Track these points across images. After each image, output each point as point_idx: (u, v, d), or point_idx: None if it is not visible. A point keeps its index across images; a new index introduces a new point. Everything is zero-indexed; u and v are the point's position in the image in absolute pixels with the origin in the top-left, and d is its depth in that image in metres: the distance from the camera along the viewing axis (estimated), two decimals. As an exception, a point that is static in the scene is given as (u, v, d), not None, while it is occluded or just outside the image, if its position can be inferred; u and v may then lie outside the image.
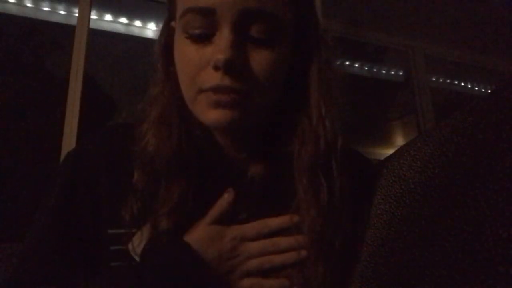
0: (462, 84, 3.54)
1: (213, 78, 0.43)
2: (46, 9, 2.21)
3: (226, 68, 0.42)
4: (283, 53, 0.47)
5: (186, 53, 0.46)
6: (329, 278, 0.45)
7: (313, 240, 0.46)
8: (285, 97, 0.50)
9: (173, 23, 0.51)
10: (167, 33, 0.53)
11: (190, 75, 0.46)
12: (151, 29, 2.36)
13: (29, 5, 2.18)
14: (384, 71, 3.19)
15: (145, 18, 2.34)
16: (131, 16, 2.35)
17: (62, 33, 2.13)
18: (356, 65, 3.07)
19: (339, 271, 0.46)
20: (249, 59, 0.44)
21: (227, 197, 0.48)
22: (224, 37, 0.43)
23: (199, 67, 0.45)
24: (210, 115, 0.45)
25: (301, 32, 0.50)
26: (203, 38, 0.45)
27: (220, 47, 0.43)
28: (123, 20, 2.36)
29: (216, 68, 0.43)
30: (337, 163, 0.48)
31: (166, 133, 0.48)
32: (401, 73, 3.16)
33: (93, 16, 2.14)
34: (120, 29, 2.37)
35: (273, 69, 0.45)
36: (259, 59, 0.44)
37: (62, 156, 1.64)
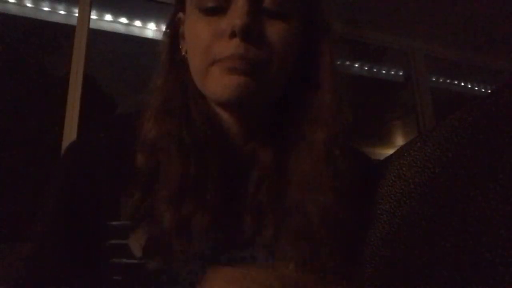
0: (462, 84, 3.54)
1: (228, 47, 0.44)
2: (46, 9, 2.20)
3: (243, 34, 0.43)
4: (295, 28, 0.47)
5: (199, 27, 0.46)
6: (342, 257, 0.44)
7: (325, 218, 0.45)
8: (296, 77, 0.50)
9: (180, 14, 0.52)
10: (173, 25, 0.53)
11: (203, 46, 0.45)
12: (151, 29, 2.36)
13: (29, 5, 2.17)
14: (384, 71, 3.19)
15: (145, 18, 2.34)
16: (131, 16, 2.35)
17: (62, 33, 2.13)
18: (356, 65, 3.07)
19: (351, 251, 0.46)
20: (265, 27, 0.45)
21: None
22: (240, 5, 0.44)
23: (213, 38, 0.45)
24: (224, 82, 0.44)
25: (311, 11, 0.50)
26: (217, 12, 0.45)
27: (237, 13, 0.43)
28: (123, 20, 2.36)
29: (232, 35, 0.43)
30: (345, 145, 0.48)
31: (168, 121, 0.48)
32: (401, 73, 3.16)
33: (93, 16, 2.14)
34: (120, 29, 2.37)
35: (286, 41, 0.46)
36: (274, 30, 0.45)
37: (62, 156, 1.65)
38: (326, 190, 0.46)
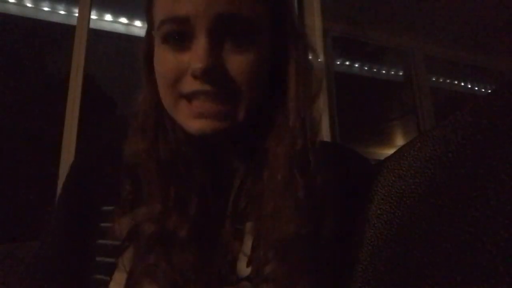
0: (462, 84, 3.54)
1: (193, 85, 0.44)
2: (46, 9, 2.21)
3: (204, 77, 0.43)
4: (261, 54, 0.46)
5: (164, 60, 0.46)
6: (313, 273, 0.44)
7: (294, 233, 0.44)
8: (264, 95, 0.50)
9: (153, 32, 0.52)
10: (148, 42, 0.53)
11: (169, 82, 0.46)
12: (151, 29, 2.35)
13: (29, 5, 2.18)
14: (384, 71, 3.19)
15: (145, 18, 2.34)
16: (131, 16, 2.35)
17: (62, 33, 2.13)
18: (356, 65, 3.07)
19: (324, 268, 0.46)
20: (228, 64, 0.44)
21: None
22: (200, 44, 0.43)
23: (178, 74, 0.45)
24: (194, 125, 0.45)
25: (277, 30, 0.49)
26: (181, 45, 0.45)
27: (197, 55, 0.43)
28: (123, 20, 2.36)
29: (195, 77, 0.43)
30: (316, 161, 0.47)
31: (146, 139, 0.49)
32: (401, 73, 3.16)
33: (93, 16, 2.14)
34: (120, 29, 2.37)
35: (253, 70, 0.45)
36: (238, 63, 0.44)
37: (62, 156, 1.65)
38: (289, 207, 0.45)
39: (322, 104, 0.51)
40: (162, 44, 0.46)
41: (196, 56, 0.43)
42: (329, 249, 0.46)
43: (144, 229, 0.45)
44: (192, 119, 0.45)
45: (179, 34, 0.45)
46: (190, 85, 0.44)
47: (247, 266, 0.47)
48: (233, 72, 0.44)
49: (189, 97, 0.45)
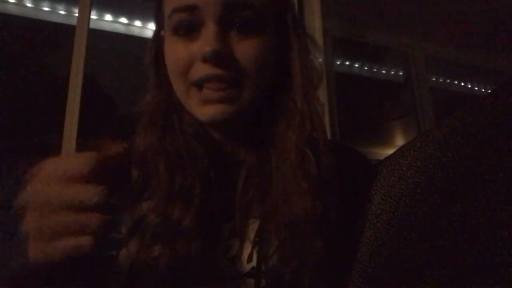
0: (462, 84, 3.54)
1: (203, 70, 0.46)
2: (46, 9, 2.20)
3: (214, 59, 0.45)
4: (266, 41, 0.49)
5: (175, 50, 0.48)
6: (326, 253, 0.45)
7: (306, 214, 0.46)
8: (270, 83, 0.52)
9: (162, 32, 0.54)
10: (157, 42, 0.55)
11: (180, 70, 0.48)
12: (151, 29, 2.34)
13: (29, 5, 2.17)
14: (384, 71, 3.18)
15: (145, 18, 2.34)
16: (131, 16, 2.34)
17: (62, 33, 2.12)
18: (356, 65, 3.07)
19: (335, 250, 0.47)
20: (236, 49, 0.46)
21: None
22: (209, 30, 0.46)
23: (188, 62, 0.47)
24: (204, 111, 0.47)
25: (280, 22, 0.52)
26: (190, 34, 0.47)
27: (206, 40, 0.45)
28: (123, 20, 2.35)
29: (204, 60, 0.45)
30: (323, 143, 0.49)
31: (154, 134, 0.50)
32: (401, 73, 3.16)
33: (93, 16, 2.14)
34: (120, 29, 2.36)
35: (259, 56, 0.48)
36: (245, 48, 0.47)
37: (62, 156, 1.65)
38: (302, 188, 0.47)
39: (322, 102, 0.53)
40: (173, 36, 0.48)
41: (205, 41, 0.45)
42: (333, 239, 0.47)
43: (149, 220, 0.46)
44: (203, 106, 0.47)
45: (188, 24, 0.47)
46: (200, 71, 0.46)
47: (248, 262, 0.48)
48: (239, 56, 0.46)
49: (200, 84, 0.47)
